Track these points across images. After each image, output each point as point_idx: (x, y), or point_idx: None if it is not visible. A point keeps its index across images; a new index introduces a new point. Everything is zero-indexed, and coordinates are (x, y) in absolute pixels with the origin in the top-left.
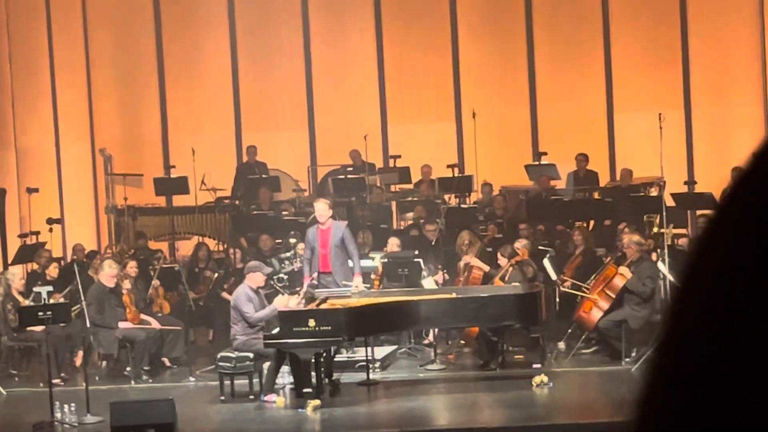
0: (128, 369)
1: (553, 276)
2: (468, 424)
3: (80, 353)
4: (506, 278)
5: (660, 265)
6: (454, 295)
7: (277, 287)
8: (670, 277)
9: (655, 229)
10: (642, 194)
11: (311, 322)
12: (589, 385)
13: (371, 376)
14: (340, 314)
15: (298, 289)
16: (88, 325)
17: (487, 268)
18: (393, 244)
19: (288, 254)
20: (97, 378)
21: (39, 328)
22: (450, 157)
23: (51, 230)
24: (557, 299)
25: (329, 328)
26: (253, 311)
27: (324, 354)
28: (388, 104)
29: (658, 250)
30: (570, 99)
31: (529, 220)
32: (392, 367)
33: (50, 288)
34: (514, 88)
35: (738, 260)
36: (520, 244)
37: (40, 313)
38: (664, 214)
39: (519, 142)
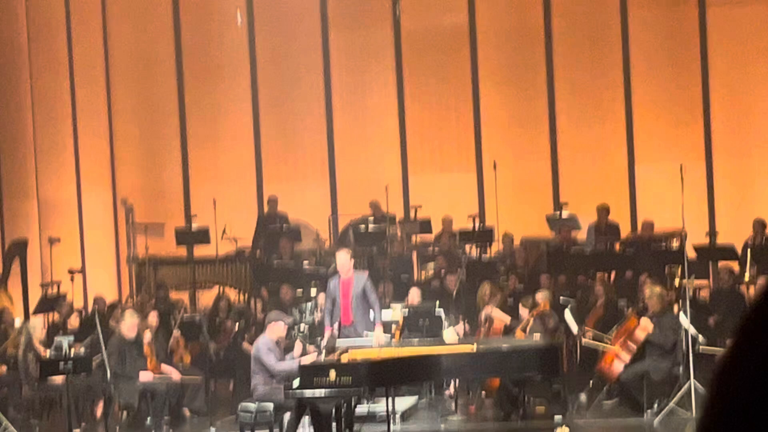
0: (149, 420)
1: (575, 328)
2: None
3: (101, 404)
4: (527, 330)
5: (681, 316)
6: (475, 347)
7: (298, 338)
8: (691, 329)
9: (677, 281)
10: (663, 246)
11: (332, 374)
12: None
13: (392, 428)
14: (360, 366)
15: (318, 339)
16: (108, 375)
17: (508, 319)
18: (414, 294)
19: (309, 305)
20: (117, 429)
21: (60, 379)
22: (471, 207)
23: (72, 280)
24: (578, 351)
25: (350, 379)
26: (275, 361)
27: (345, 405)
28: (408, 155)
29: (680, 302)
30: (591, 150)
31: (550, 272)
32: (413, 418)
33: (71, 338)
34: (535, 139)
35: None
36: (541, 296)
37: (61, 364)
38: (686, 265)
39: (540, 193)
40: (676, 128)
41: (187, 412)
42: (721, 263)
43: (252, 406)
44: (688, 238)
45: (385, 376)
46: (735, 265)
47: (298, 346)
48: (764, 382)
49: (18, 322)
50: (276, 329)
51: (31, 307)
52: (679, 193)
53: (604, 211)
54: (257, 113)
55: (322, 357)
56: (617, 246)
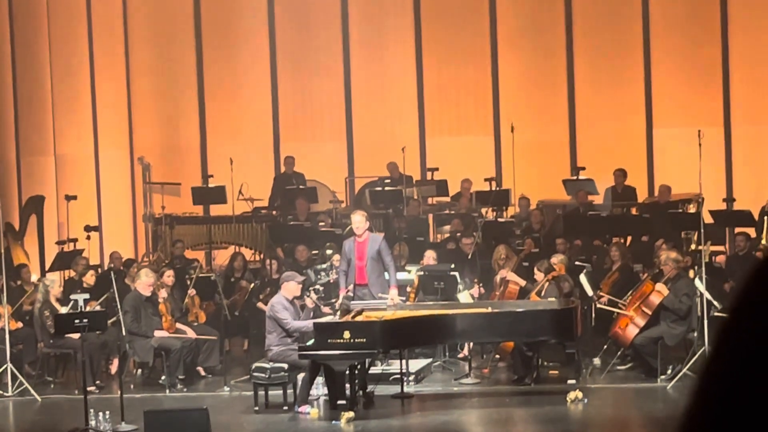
0: (163, 378)
1: (590, 292)
2: None
3: (115, 361)
4: (542, 293)
5: (697, 282)
6: (489, 310)
7: (313, 298)
8: (707, 295)
9: (693, 246)
10: (680, 211)
11: (346, 334)
12: (624, 401)
13: (405, 389)
14: (375, 326)
15: (333, 300)
16: (123, 333)
17: (523, 282)
18: (429, 257)
19: (324, 265)
20: (131, 386)
21: (75, 336)
22: (487, 170)
23: (89, 238)
24: (593, 315)
25: (364, 340)
26: (291, 319)
27: (358, 366)
28: (426, 117)
29: (696, 267)
30: (609, 114)
31: (566, 235)
32: (426, 380)
33: (87, 295)
34: (553, 102)
35: None
36: (557, 259)
37: (77, 321)
38: (702, 231)
39: (557, 156)
40: (695, 93)
41: (201, 370)
42: (738, 229)
43: (266, 365)
44: (704, 204)
45: (399, 337)
46: (751, 231)
47: (309, 303)
48: (761, 347)
49: (34, 278)
50: (290, 288)
51: (48, 264)
52: (696, 158)
53: (621, 175)
54: (275, 72)
55: (337, 317)
56: (634, 210)
